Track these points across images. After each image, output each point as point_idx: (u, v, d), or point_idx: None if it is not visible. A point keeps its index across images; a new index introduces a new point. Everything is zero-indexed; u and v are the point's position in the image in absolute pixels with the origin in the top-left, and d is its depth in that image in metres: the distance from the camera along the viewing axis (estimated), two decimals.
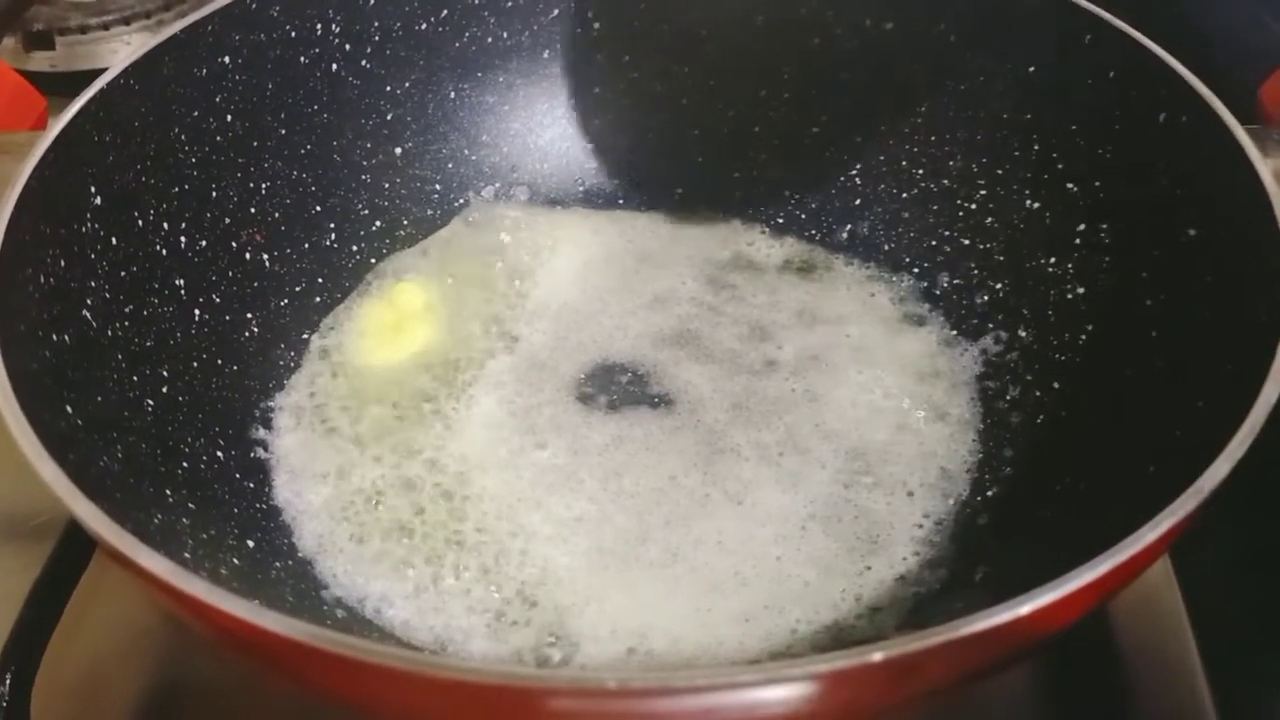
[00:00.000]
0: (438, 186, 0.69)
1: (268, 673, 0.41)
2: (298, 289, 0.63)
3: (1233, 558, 0.54)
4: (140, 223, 0.53)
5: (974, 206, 0.64)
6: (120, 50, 0.90)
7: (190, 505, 0.48)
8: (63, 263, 0.48)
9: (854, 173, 0.68)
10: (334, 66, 0.63)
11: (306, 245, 0.63)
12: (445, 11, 0.66)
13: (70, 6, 0.92)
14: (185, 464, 0.51)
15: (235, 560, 0.48)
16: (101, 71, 0.53)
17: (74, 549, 0.52)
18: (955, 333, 0.62)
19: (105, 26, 0.90)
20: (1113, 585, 0.35)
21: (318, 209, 0.64)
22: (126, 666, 0.52)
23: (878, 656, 0.32)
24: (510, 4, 0.68)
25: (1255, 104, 0.69)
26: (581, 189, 0.71)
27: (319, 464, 0.56)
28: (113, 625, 0.53)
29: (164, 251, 0.55)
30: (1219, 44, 0.73)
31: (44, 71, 0.88)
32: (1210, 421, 0.41)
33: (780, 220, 0.69)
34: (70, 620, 0.51)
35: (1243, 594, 0.53)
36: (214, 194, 0.58)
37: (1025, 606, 0.33)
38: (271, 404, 0.59)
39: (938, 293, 0.64)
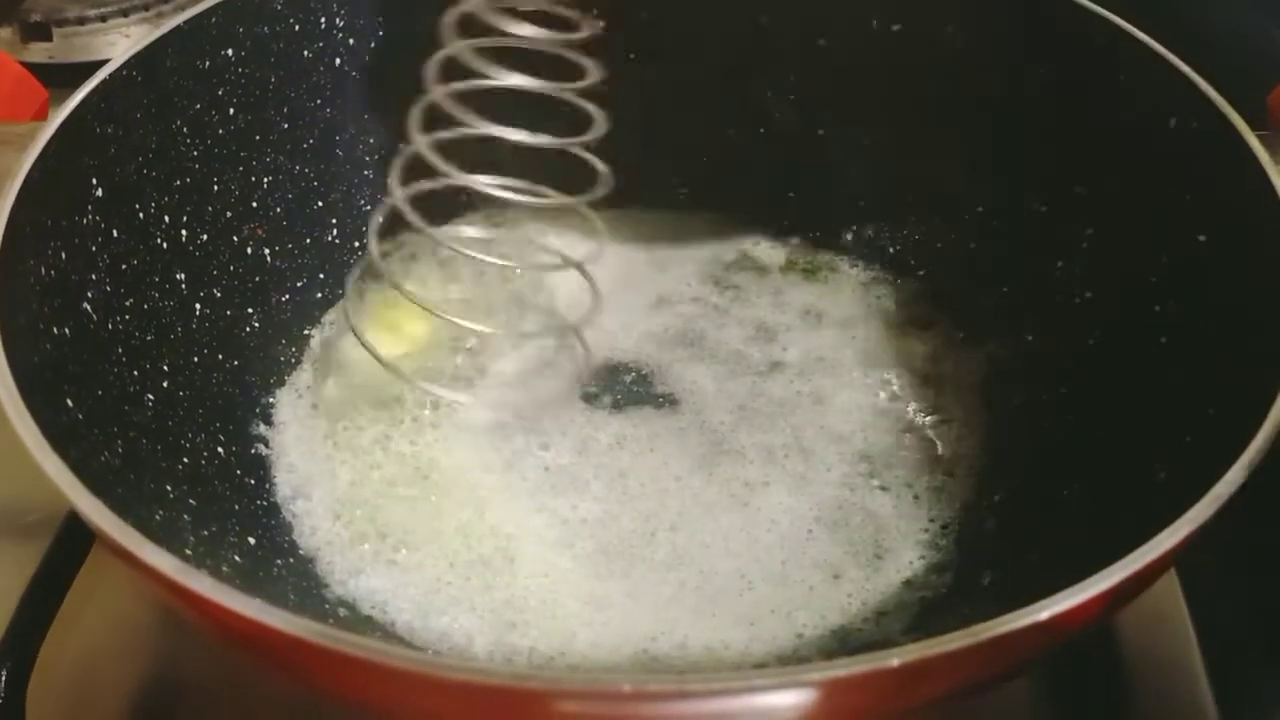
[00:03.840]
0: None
1: (271, 671, 0.41)
2: (299, 284, 0.62)
3: (1237, 564, 0.53)
4: (141, 215, 0.53)
5: (980, 209, 0.63)
6: (118, 42, 0.89)
7: (191, 501, 0.48)
8: (64, 255, 0.48)
9: (858, 174, 0.67)
10: (337, 60, 0.63)
11: (308, 240, 0.63)
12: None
13: None
14: (186, 459, 0.50)
15: (236, 557, 0.47)
16: (99, 63, 0.52)
17: (70, 546, 0.52)
18: (961, 335, 0.62)
19: (103, 18, 0.90)
20: (1130, 590, 0.35)
21: (320, 204, 0.63)
22: (122, 663, 0.51)
23: (895, 661, 0.31)
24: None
25: (1266, 111, 0.69)
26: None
27: (320, 461, 0.56)
28: (108, 622, 0.52)
29: (165, 245, 0.54)
30: (1229, 52, 0.73)
31: (41, 63, 0.87)
32: (1222, 428, 0.40)
33: (785, 221, 0.69)
34: (66, 617, 0.51)
35: (1248, 601, 0.53)
36: (215, 187, 0.57)
37: (1044, 612, 0.32)
38: (272, 400, 0.59)
39: (943, 295, 0.64)
